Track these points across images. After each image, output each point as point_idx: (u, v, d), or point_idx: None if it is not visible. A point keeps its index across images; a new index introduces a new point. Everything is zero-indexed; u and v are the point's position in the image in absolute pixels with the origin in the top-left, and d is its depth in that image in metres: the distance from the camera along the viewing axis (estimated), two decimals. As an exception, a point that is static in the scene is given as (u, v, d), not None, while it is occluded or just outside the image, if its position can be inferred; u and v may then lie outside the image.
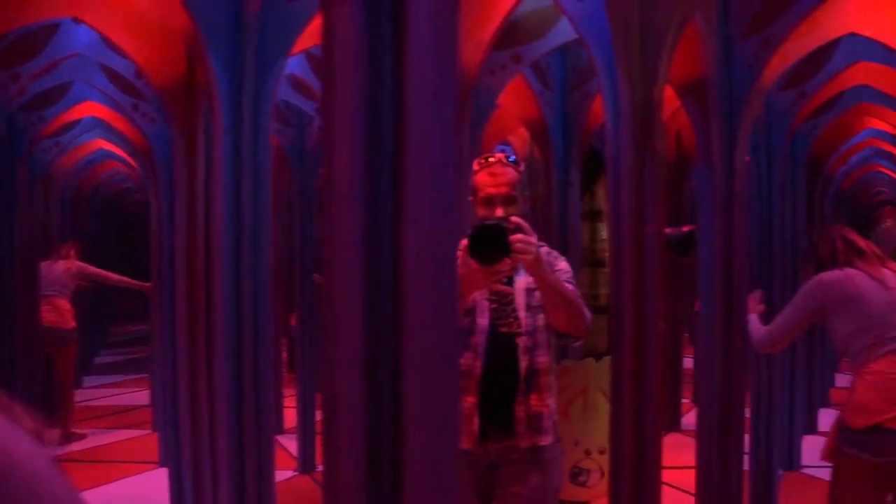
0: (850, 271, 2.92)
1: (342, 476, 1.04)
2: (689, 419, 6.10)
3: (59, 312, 6.45)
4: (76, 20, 3.87)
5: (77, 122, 6.13)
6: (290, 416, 6.32)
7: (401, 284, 0.99)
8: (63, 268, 6.60)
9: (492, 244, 2.02)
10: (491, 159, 2.26)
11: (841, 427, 2.80)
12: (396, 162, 0.98)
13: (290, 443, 6.09)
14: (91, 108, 5.46)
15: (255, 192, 2.41)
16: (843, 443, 2.76)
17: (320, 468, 4.61)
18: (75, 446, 6.50)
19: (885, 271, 2.94)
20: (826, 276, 2.96)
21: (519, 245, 2.04)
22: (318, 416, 6.28)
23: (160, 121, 4.50)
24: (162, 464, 5.83)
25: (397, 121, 0.97)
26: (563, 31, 3.57)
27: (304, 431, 5.70)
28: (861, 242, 3.01)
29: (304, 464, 5.71)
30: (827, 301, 2.91)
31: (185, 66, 3.52)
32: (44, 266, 6.43)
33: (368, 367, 1.00)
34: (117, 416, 7.64)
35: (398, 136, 0.98)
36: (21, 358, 5.31)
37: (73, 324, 6.60)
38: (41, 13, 3.28)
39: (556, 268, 2.23)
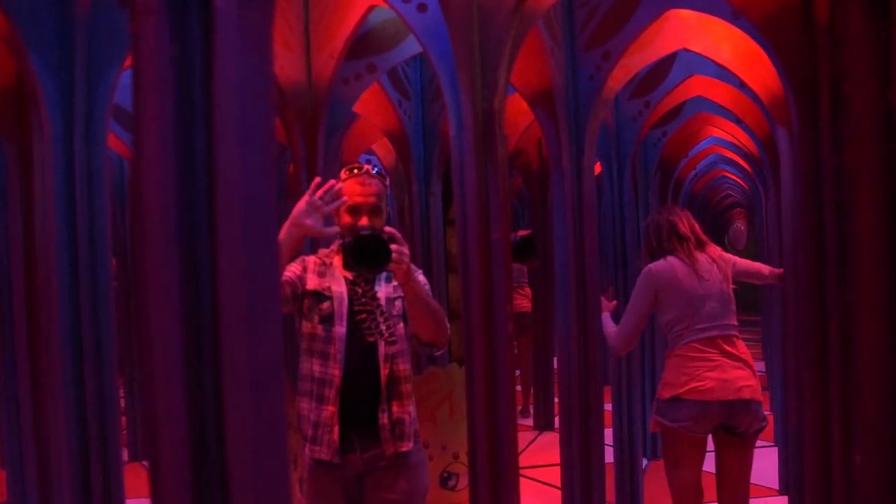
0: (671, 259, 3.28)
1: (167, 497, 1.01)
2: (555, 417, 6.24)
3: None
4: None
5: None
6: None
7: (218, 296, 0.97)
8: None
9: (372, 253, 2.05)
10: (356, 171, 2.27)
11: (655, 400, 3.27)
12: (211, 179, 0.96)
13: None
14: None
15: (90, 201, 2.29)
16: (657, 413, 3.23)
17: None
18: None
19: (701, 256, 3.28)
20: (652, 266, 3.32)
21: (395, 255, 2.07)
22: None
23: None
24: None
25: (209, 133, 0.95)
26: (416, 42, 3.63)
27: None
28: (682, 227, 3.32)
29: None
30: (657, 290, 3.28)
31: (14, 71, 3.29)
32: None
33: (190, 383, 0.97)
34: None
35: (210, 150, 0.96)
36: None
37: None
38: None
39: (418, 279, 2.27)
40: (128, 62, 2.35)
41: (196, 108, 0.94)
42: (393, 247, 2.08)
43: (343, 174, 2.29)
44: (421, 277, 2.30)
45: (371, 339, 2.26)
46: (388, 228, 2.19)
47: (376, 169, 2.31)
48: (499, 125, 2.13)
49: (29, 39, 2.12)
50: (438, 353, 2.28)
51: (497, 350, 2.29)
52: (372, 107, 4.68)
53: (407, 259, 2.10)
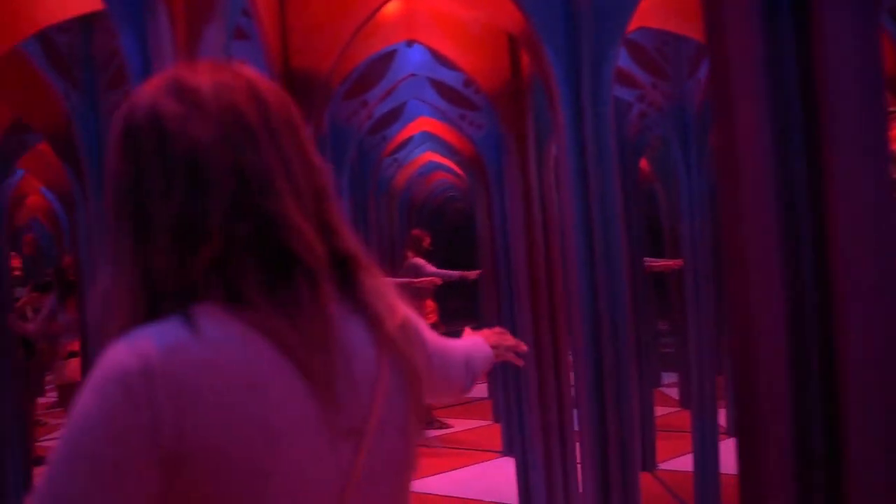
0: None
1: (767, 477, 0.93)
2: None
3: (419, 310, 6.97)
4: (409, 43, 4.22)
5: (410, 139, 6.72)
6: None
7: (829, 274, 0.86)
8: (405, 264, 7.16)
9: None
10: None
11: None
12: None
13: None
14: (423, 124, 5.94)
15: (602, 184, 2.38)
16: None
17: (661, 466, 4.43)
18: (432, 433, 7.13)
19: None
20: None
21: None
22: (658, 411, 6.13)
23: (487, 127, 4.73)
24: (506, 453, 6.14)
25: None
26: None
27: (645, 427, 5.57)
28: None
29: (645, 462, 5.58)
30: None
31: (510, 70, 3.65)
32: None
33: (794, 364, 0.89)
34: (462, 408, 8.21)
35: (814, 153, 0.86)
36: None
37: (433, 319, 7.10)
38: (382, 42, 3.62)
39: None
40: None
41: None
42: None
43: None
44: None
45: None
46: None
47: None
48: None
49: (541, 28, 2.29)
50: None
51: None
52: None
53: None
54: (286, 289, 0.77)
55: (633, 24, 3.13)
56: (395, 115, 5.47)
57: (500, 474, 5.67)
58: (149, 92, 0.79)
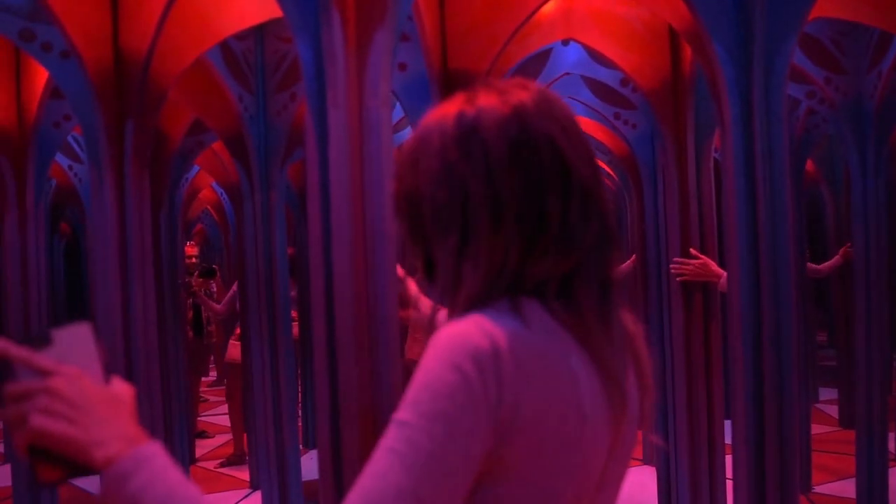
0: None
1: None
2: None
3: None
4: (565, 42, 4.18)
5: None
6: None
7: None
8: None
9: None
10: None
11: None
12: None
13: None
14: (574, 123, 5.86)
15: (772, 185, 2.26)
16: None
17: (816, 489, 4.13)
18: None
19: None
20: None
21: None
22: (815, 429, 5.70)
23: (642, 126, 4.61)
24: (646, 462, 5.96)
25: None
26: None
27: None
28: None
29: (801, 483, 5.26)
30: None
31: (669, 67, 3.53)
32: None
33: None
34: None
35: None
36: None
37: None
38: (539, 42, 3.61)
39: None
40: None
41: None
42: None
43: None
44: None
45: None
46: None
47: None
48: None
49: (709, 23, 2.21)
50: None
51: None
52: None
53: None
54: (599, 297, 0.89)
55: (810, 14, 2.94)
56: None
57: (639, 483, 5.51)
58: (521, 106, 0.87)
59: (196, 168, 7.59)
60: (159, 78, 2.80)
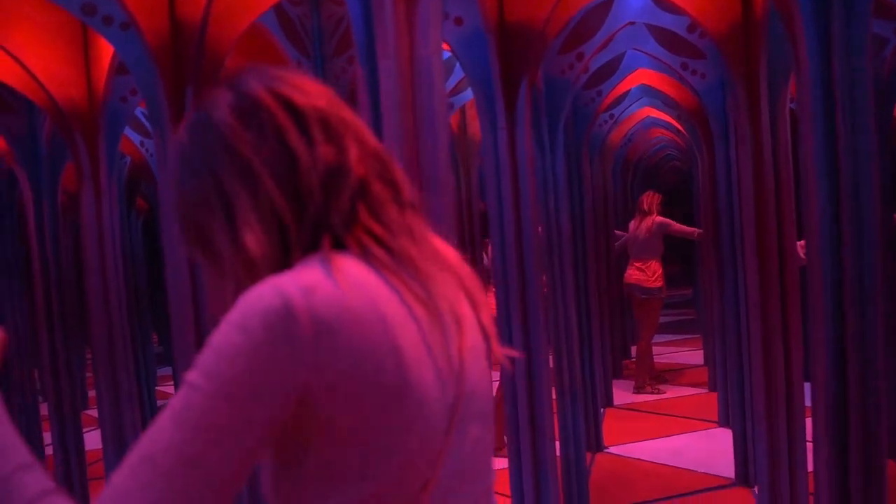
0: None
1: None
2: None
3: (646, 271, 6.84)
4: (629, -10, 4.02)
5: (626, 94, 6.46)
6: None
7: None
8: (647, 225, 6.88)
9: None
10: None
11: None
12: None
13: None
14: (640, 77, 5.67)
15: (853, 133, 2.11)
16: None
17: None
18: (643, 397, 6.95)
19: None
20: None
21: None
22: None
23: (712, 76, 4.41)
24: (722, 423, 5.83)
25: None
26: None
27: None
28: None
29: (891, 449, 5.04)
30: None
31: (739, 8, 3.34)
32: (631, 226, 7.01)
33: None
34: (675, 374, 7.91)
35: None
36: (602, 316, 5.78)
37: (659, 283, 6.86)
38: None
39: None
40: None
41: None
42: None
43: None
44: None
45: None
46: None
47: None
48: None
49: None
50: None
51: None
52: None
53: None
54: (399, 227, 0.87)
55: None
56: (611, 68, 5.26)
57: (715, 445, 5.41)
58: (236, 78, 0.91)
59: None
60: (215, 45, 2.81)
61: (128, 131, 5.85)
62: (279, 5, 3.53)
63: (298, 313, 0.75)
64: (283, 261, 0.84)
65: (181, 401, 0.75)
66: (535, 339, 3.32)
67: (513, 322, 3.36)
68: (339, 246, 0.84)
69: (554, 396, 3.71)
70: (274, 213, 0.83)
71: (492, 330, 0.95)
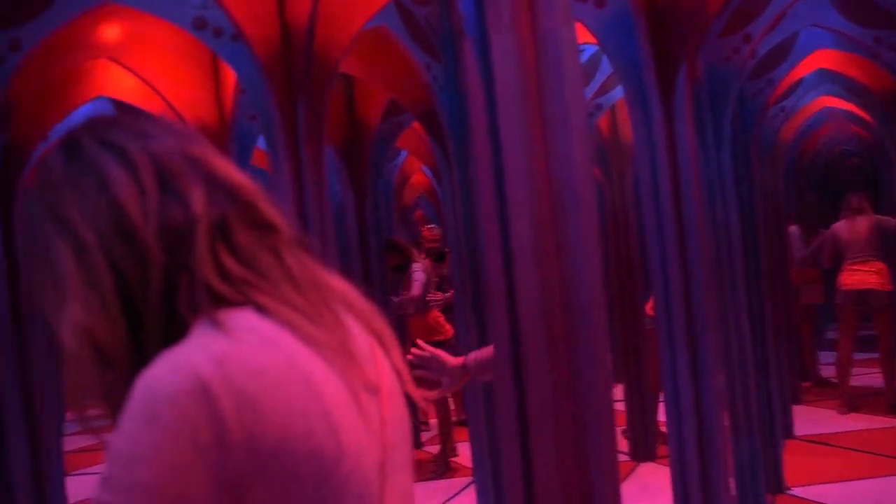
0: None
1: None
2: None
3: (880, 274, 6.18)
4: (805, -45, 3.42)
5: (800, 81, 5.69)
6: None
7: None
8: (865, 225, 6.26)
9: None
10: None
11: None
12: None
13: None
14: (818, 59, 4.94)
15: None
16: None
17: None
18: (831, 426, 6.08)
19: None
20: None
21: None
22: None
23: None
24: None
25: None
26: None
27: None
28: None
29: None
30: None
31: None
32: (840, 228, 6.38)
33: None
34: (870, 399, 6.90)
35: None
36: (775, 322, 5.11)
37: (890, 287, 6.19)
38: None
39: None
40: None
41: None
42: None
43: None
44: None
45: None
46: None
47: None
48: None
49: None
50: None
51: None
52: None
53: None
54: (277, 268, 0.75)
55: None
56: (783, 51, 4.59)
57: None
58: (71, 135, 0.81)
59: (404, 153, 7.58)
60: (325, 50, 2.57)
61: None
62: (403, 5, 3.27)
63: (214, 390, 0.64)
64: (136, 335, 0.70)
65: None
66: (704, 364, 2.85)
67: (676, 345, 2.90)
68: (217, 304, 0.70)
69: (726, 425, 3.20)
70: (107, 278, 0.70)
71: (405, 371, 0.86)
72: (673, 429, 2.94)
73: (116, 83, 3.78)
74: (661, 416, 4.55)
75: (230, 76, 3.75)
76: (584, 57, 4.47)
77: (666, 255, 2.80)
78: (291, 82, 2.50)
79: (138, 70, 3.60)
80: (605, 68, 4.45)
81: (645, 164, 2.88)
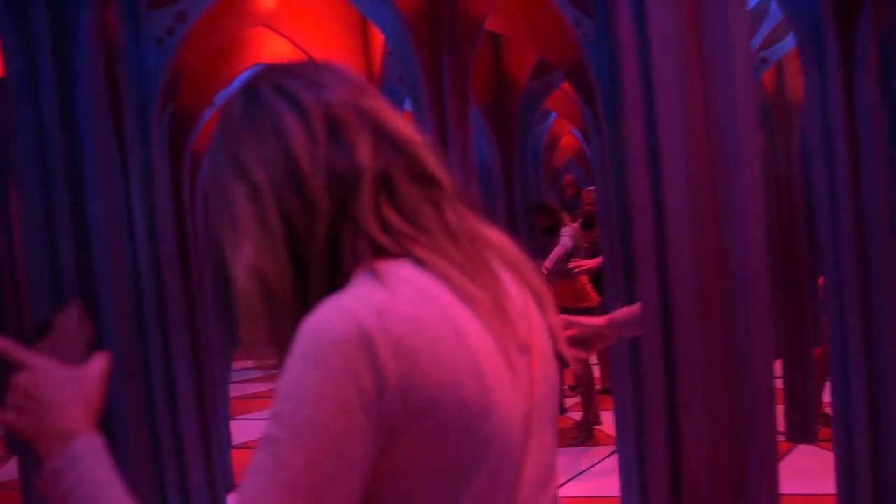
0: None
1: None
2: None
3: None
4: None
5: None
6: None
7: None
8: None
9: None
10: None
11: None
12: None
13: None
14: None
15: None
16: None
17: None
18: None
19: None
20: None
21: None
22: None
23: None
24: None
25: None
26: None
27: None
28: None
29: None
30: None
31: None
32: None
33: None
34: None
35: None
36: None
37: None
38: None
39: None
40: None
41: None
42: None
43: None
44: None
45: None
46: None
47: None
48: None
49: None
50: None
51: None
52: None
53: None
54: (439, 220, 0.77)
55: None
56: None
57: None
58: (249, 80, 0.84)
59: (554, 115, 7.41)
60: (470, 7, 2.51)
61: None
62: (553, -41, 3.14)
63: (376, 339, 0.67)
64: (301, 280, 0.74)
65: (271, 459, 0.66)
66: (879, 344, 2.60)
67: (847, 324, 2.65)
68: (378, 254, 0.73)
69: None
70: (278, 223, 0.73)
71: (559, 330, 0.86)
72: (840, 412, 2.71)
73: (272, 50, 3.92)
74: (826, 396, 4.24)
75: (378, 39, 3.78)
76: (751, 3, 4.13)
77: (838, 229, 2.55)
78: (436, 40, 2.47)
79: (292, 36, 3.70)
80: (774, 15, 4.09)
81: (817, 124, 2.62)
